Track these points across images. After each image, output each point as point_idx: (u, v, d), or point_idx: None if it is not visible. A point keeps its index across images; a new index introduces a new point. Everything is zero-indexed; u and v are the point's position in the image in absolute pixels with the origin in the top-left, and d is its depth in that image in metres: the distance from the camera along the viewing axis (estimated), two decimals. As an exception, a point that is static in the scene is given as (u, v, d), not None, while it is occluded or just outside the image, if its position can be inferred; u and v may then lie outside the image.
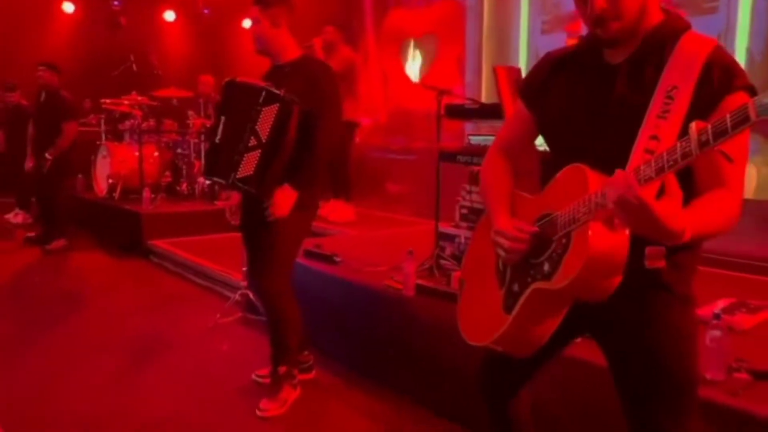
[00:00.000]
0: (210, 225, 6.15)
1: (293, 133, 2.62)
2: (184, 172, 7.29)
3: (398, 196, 7.36)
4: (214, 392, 3.04)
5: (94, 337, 3.83)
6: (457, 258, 3.34)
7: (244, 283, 4.14)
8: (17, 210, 7.74)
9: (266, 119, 2.56)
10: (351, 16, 8.59)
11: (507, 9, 6.77)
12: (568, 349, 2.10)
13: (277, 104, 2.58)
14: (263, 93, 2.58)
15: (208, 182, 6.86)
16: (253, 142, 2.56)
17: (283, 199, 2.66)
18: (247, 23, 10.69)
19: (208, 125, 6.88)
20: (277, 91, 2.59)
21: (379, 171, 8.09)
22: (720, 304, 2.69)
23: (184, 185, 7.19)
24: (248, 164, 2.57)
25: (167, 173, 7.31)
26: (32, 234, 6.43)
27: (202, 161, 6.92)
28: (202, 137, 6.99)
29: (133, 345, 3.69)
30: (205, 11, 10.78)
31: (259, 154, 2.57)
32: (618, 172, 1.18)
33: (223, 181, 2.67)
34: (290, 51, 2.84)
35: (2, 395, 2.92)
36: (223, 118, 2.70)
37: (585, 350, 2.08)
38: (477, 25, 7.11)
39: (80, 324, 4.12)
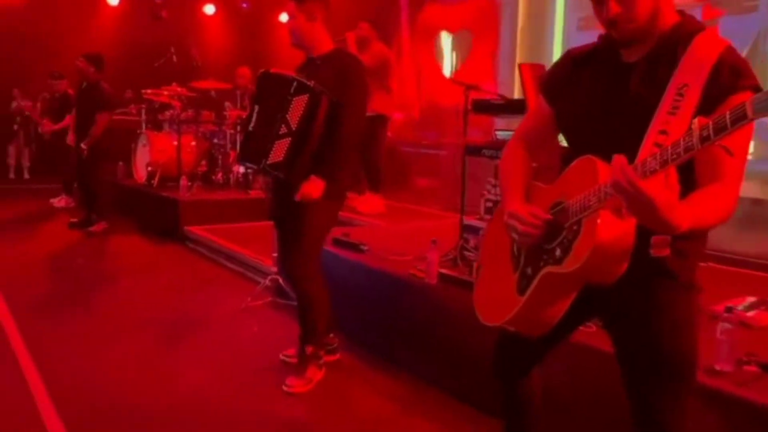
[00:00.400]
0: (243, 213, 6.33)
1: (321, 123, 2.74)
2: (220, 161, 7.49)
3: (428, 190, 7.43)
4: (243, 368, 3.19)
5: (132, 314, 4.03)
6: (481, 249, 3.41)
7: (274, 269, 4.28)
8: (62, 195, 8.04)
9: (296, 109, 2.68)
10: (386, 12, 8.67)
11: (542, 5, 6.77)
12: (581, 338, 2.18)
13: (307, 95, 2.70)
14: (294, 84, 2.71)
15: (242, 172, 7.03)
16: (283, 130, 2.69)
17: (311, 189, 2.78)
18: (283, 17, 10.86)
19: (243, 116, 7.06)
20: (307, 82, 2.71)
21: (410, 165, 8.17)
22: (744, 301, 2.72)
23: (220, 174, 7.39)
24: (278, 151, 2.70)
25: (203, 162, 7.51)
26: (75, 220, 6.69)
27: (238, 151, 7.12)
28: (238, 128, 7.17)
29: (168, 322, 3.87)
30: (244, 5, 11.01)
31: (289, 142, 2.70)
32: (615, 157, 1.25)
33: (254, 167, 2.81)
34: (323, 44, 2.96)
35: (49, 365, 3.11)
36: (256, 107, 2.84)
37: (596, 339, 2.16)
38: (512, 21, 7.12)
39: (119, 302, 4.33)
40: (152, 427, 2.59)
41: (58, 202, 8.00)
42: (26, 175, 10.37)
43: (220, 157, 7.50)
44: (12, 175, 10.33)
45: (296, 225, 2.86)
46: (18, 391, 2.82)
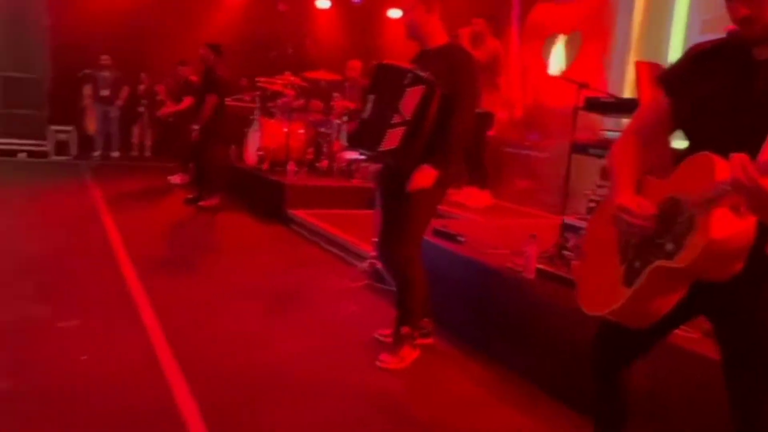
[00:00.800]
0: (345, 200, 6.58)
1: (434, 114, 2.83)
2: (325, 150, 7.78)
3: (528, 191, 7.37)
4: (341, 342, 3.37)
5: (240, 282, 4.35)
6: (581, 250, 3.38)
7: (372, 254, 4.44)
8: (179, 173, 8.64)
9: (411, 99, 2.79)
10: (499, 8, 8.64)
11: (661, 7, 6.52)
12: (682, 342, 2.15)
13: (422, 86, 2.81)
14: (410, 75, 2.83)
15: (349, 160, 7.25)
16: (397, 119, 2.81)
17: (423, 178, 2.88)
18: (392, 13, 11.10)
19: (351, 108, 7.29)
20: (422, 74, 2.81)
21: (510, 164, 8.12)
22: None
23: (325, 162, 7.67)
24: (392, 139, 2.82)
25: (310, 150, 7.83)
26: (191, 196, 7.19)
27: (343, 141, 7.37)
28: (345, 119, 7.41)
29: (272, 294, 4.14)
30: (356, 1, 11.32)
31: (402, 131, 2.82)
32: (735, 155, 1.26)
33: (368, 152, 2.96)
34: (438, 37, 3.05)
35: (168, 319, 3.43)
36: (372, 97, 2.97)
37: (700, 345, 2.13)
38: (627, 22, 6.91)
39: (228, 271, 4.68)
40: (260, 385, 2.80)
41: (174, 179, 8.60)
42: (147, 154, 11.23)
43: (325, 145, 7.79)
44: (134, 153, 11.21)
45: (404, 211, 2.98)
46: (140, 342, 3.14)
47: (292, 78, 7.73)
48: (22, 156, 9.79)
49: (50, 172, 9.06)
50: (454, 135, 2.89)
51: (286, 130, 7.37)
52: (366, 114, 2.99)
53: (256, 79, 8.15)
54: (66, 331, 3.20)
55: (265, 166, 7.39)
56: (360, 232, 5.18)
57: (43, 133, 10.03)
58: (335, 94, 7.72)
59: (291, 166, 6.96)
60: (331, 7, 11.53)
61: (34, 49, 9.89)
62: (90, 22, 10.08)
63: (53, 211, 6.44)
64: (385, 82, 2.95)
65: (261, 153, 7.43)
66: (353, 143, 3.30)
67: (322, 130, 7.80)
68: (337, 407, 2.67)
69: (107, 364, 2.86)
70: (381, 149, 2.85)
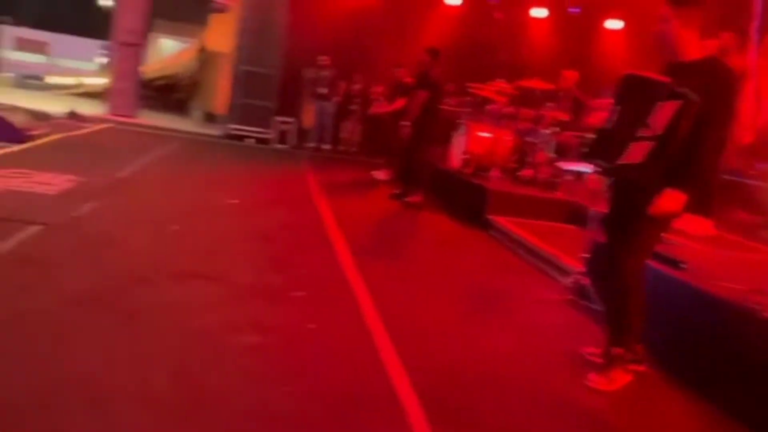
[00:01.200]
0: (547, 212, 6.45)
1: (686, 132, 2.68)
2: (530, 159, 7.70)
3: (751, 224, 6.64)
4: (542, 351, 3.37)
5: (442, 279, 4.55)
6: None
7: (578, 268, 4.32)
8: (383, 169, 9.12)
9: (663, 114, 2.65)
10: (743, 21, 7.88)
11: None
12: None
13: (678, 101, 2.66)
14: (666, 88, 2.69)
15: (562, 171, 7.08)
16: (645, 133, 2.69)
17: (671, 201, 2.74)
18: (610, 24, 10.64)
19: (562, 119, 7.12)
20: (679, 89, 2.67)
21: (731, 194, 7.36)
22: None
23: (529, 172, 7.60)
24: (635, 153, 2.71)
25: (514, 158, 7.81)
26: (397, 191, 7.55)
27: (549, 152, 7.24)
28: (555, 129, 7.26)
29: (472, 294, 4.28)
30: (574, 10, 11.05)
31: (649, 146, 2.69)
32: None
33: (605, 164, 2.88)
34: (695, 51, 2.88)
35: (381, 300, 3.65)
36: (617, 107, 2.88)
37: None
38: None
39: (431, 266, 4.90)
40: (473, 382, 2.87)
41: (378, 174, 9.08)
42: (353, 149, 11.99)
43: (530, 154, 7.71)
44: (342, 147, 12.04)
45: (637, 228, 2.87)
46: (358, 322, 3.37)
47: (504, 85, 7.76)
48: (249, 141, 11.05)
49: (273, 157, 10.13)
50: (705, 156, 2.71)
51: (493, 136, 7.42)
52: (610, 125, 2.90)
53: (467, 84, 8.31)
54: (296, 301, 3.55)
55: (469, 170, 7.51)
56: (563, 246, 5.08)
57: (268, 123, 11.23)
58: (548, 104, 7.59)
59: (495, 172, 7.00)
60: (548, 16, 11.38)
61: (271, 47, 11.09)
62: (316, 25, 11.04)
63: (277, 191, 7.24)
64: (635, 94, 2.84)
65: (466, 157, 7.56)
66: (589, 154, 3.23)
67: (529, 139, 7.73)
68: (545, 415, 2.67)
69: (331, 338, 3.11)
70: (621, 162, 2.76)
